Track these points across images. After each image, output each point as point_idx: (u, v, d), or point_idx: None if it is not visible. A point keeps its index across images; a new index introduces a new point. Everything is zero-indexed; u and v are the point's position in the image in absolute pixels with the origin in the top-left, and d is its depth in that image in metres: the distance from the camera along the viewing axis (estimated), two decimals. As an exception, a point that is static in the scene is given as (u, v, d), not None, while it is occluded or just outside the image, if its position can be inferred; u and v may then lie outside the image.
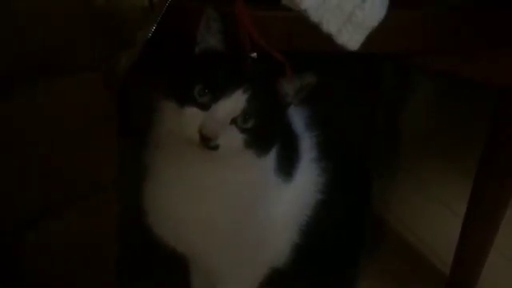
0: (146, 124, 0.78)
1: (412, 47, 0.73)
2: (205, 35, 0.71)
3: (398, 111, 1.61)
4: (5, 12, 0.56)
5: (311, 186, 0.78)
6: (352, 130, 1.01)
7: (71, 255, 0.70)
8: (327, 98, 0.86)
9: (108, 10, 0.63)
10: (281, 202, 0.76)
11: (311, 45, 0.70)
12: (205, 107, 0.67)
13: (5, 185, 0.62)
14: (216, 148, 0.66)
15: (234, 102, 0.67)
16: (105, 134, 0.67)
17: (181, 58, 0.75)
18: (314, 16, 0.66)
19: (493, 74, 0.79)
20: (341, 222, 0.83)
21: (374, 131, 1.47)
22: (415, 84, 1.68)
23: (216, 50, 0.70)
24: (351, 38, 0.66)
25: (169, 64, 0.77)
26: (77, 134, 0.64)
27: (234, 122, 0.67)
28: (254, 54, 0.75)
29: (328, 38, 0.68)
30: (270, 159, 0.73)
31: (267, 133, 0.70)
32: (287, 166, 0.76)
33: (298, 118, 0.78)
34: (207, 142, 0.66)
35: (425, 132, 1.53)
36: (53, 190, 0.65)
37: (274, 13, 0.70)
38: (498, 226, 0.96)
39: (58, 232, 0.67)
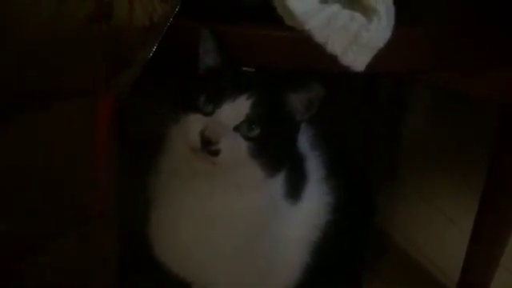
0: (145, 137, 0.77)
1: (415, 65, 0.72)
2: (204, 57, 0.71)
3: (398, 121, 1.60)
4: (3, 35, 0.55)
5: (320, 207, 0.77)
6: (353, 143, 1.00)
7: (71, 280, 0.69)
8: (328, 111, 0.85)
9: (108, 33, 0.62)
10: (290, 225, 0.75)
11: (316, 64, 0.69)
12: (209, 114, 0.67)
13: (4, 210, 0.61)
14: (217, 153, 0.65)
15: (238, 107, 0.67)
16: (105, 159, 0.66)
17: (184, 72, 0.74)
18: (319, 36, 0.65)
19: (494, 91, 0.78)
20: (348, 238, 0.83)
21: (375, 142, 1.46)
22: (414, 92, 1.67)
23: (215, 67, 0.71)
24: (356, 59, 0.65)
25: (171, 78, 0.76)
26: (76, 159, 0.63)
27: (238, 129, 0.67)
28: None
29: (333, 58, 0.67)
30: (279, 183, 0.72)
31: (277, 148, 0.69)
32: (295, 188, 0.75)
33: (302, 137, 0.77)
34: (208, 146, 0.65)
35: (426, 143, 1.52)
36: (52, 216, 0.64)
37: (278, 32, 0.69)
38: (506, 241, 0.95)
39: (58, 257, 0.66)
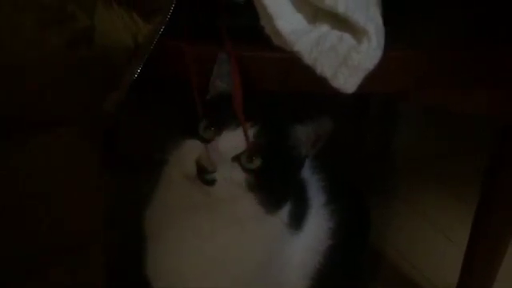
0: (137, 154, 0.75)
1: (406, 86, 0.71)
2: (217, 83, 0.68)
3: (391, 134, 1.59)
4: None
5: (321, 232, 0.76)
6: (345, 156, 0.99)
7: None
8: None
9: (92, 58, 0.60)
10: (292, 253, 0.73)
11: (306, 86, 0.67)
12: (208, 141, 0.64)
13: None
14: (212, 183, 0.62)
15: (239, 136, 0.63)
16: (90, 185, 0.64)
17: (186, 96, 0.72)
18: (308, 58, 0.63)
19: (491, 111, 0.77)
20: (347, 260, 0.82)
21: (367, 156, 1.44)
22: (407, 104, 1.66)
23: (226, 92, 0.68)
24: (347, 81, 0.63)
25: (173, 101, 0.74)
26: (62, 186, 0.61)
27: (237, 160, 0.64)
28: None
29: (323, 80, 0.65)
30: (283, 214, 0.70)
31: (277, 183, 0.66)
32: (299, 218, 0.73)
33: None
34: (203, 175, 0.62)
35: (419, 156, 1.50)
36: (38, 246, 0.62)
37: (266, 53, 0.67)
38: (502, 256, 0.94)
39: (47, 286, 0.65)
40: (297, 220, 0.73)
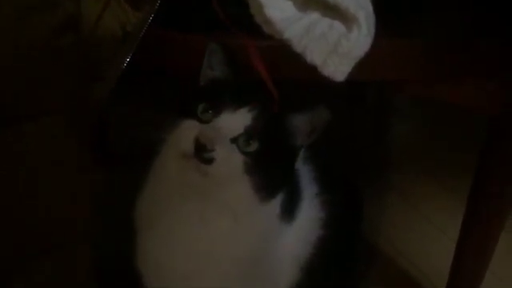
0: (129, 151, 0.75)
1: (399, 76, 0.70)
2: (208, 72, 0.68)
3: (385, 128, 1.58)
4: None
5: (312, 223, 0.75)
6: (340, 147, 0.99)
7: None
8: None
9: (78, 46, 0.59)
10: (283, 244, 0.73)
11: (297, 74, 0.66)
12: (206, 122, 0.64)
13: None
14: (210, 162, 0.62)
15: (237, 118, 0.64)
16: (77, 183, 0.63)
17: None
18: (297, 46, 0.63)
19: (481, 103, 0.77)
20: (339, 252, 0.81)
21: (362, 147, 1.44)
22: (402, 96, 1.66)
23: (219, 78, 0.68)
24: (337, 69, 0.62)
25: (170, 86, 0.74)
26: (48, 183, 0.61)
27: (236, 141, 0.64)
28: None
29: (314, 68, 0.64)
30: (276, 205, 0.69)
31: (273, 169, 0.66)
32: (291, 209, 0.72)
33: None
34: (202, 152, 0.62)
35: (413, 148, 1.50)
36: (23, 243, 0.61)
37: (257, 42, 0.66)
38: (493, 248, 0.93)
39: (32, 285, 0.64)
40: (289, 210, 0.72)
